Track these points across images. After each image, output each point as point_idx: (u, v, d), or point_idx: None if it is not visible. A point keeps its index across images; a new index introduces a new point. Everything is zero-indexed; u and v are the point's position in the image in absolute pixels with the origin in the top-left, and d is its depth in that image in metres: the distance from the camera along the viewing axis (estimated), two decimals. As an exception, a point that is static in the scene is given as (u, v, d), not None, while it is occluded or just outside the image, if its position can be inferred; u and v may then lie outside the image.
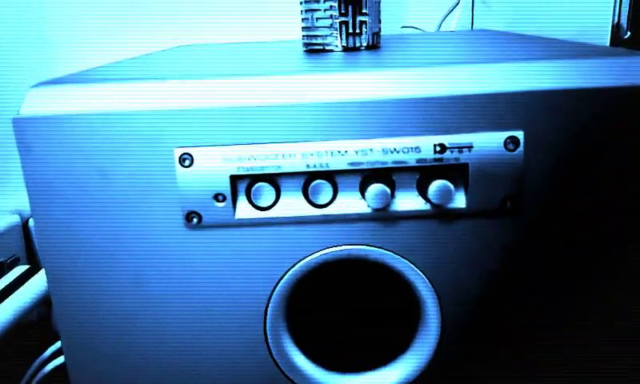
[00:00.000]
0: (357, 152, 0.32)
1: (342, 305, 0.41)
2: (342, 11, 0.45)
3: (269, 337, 0.36)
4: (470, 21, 0.92)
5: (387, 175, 0.33)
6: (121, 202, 0.33)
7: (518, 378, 0.37)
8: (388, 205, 0.33)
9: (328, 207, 0.33)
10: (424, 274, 0.35)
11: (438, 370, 0.37)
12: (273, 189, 0.33)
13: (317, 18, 0.46)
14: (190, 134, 0.32)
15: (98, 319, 0.36)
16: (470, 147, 0.32)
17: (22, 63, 0.93)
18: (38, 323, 0.55)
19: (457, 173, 0.33)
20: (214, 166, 0.32)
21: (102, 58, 0.93)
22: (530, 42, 0.43)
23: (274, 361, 0.36)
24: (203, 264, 0.34)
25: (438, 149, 0.32)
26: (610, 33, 0.49)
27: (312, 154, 0.32)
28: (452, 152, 0.32)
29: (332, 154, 0.32)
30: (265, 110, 0.32)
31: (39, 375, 0.51)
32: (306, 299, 0.40)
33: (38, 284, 0.55)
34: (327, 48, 0.46)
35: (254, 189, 0.33)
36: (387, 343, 0.39)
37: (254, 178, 0.33)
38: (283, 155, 0.32)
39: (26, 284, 0.53)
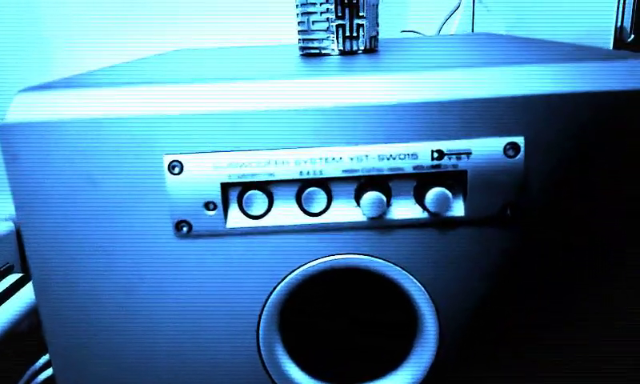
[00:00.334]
0: (352, 159, 0.31)
1: (339, 315, 0.40)
2: (339, 14, 0.44)
3: (262, 348, 0.35)
4: (471, 24, 0.91)
5: (383, 182, 0.32)
6: (110, 211, 0.32)
7: (512, 377, 0.36)
8: (384, 213, 0.32)
9: (322, 215, 0.32)
10: (421, 283, 0.34)
11: (436, 380, 0.36)
12: (265, 197, 0.32)
13: (313, 21, 0.45)
14: (180, 141, 0.31)
15: (86, 330, 0.35)
16: (468, 154, 0.31)
17: (18, 65, 0.93)
18: (29, 333, 0.54)
19: (455, 180, 0.32)
20: (205, 174, 0.31)
21: (99, 59, 0.92)
22: (531, 45, 0.42)
23: (267, 372, 0.35)
24: (194, 274, 0.33)
25: (435, 155, 0.31)
26: (613, 36, 0.48)
27: (305, 161, 0.31)
28: (450, 158, 0.31)
29: (326, 161, 0.31)
30: (256, 115, 0.31)
31: (30, 386, 0.50)
32: (302, 309, 0.39)
33: (29, 293, 0.54)
34: (324, 52, 0.45)
35: (245, 197, 0.32)
36: (385, 354, 0.38)
37: (246, 186, 0.32)
38: (276, 162, 0.31)
39: (17, 293, 0.52)
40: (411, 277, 0.33)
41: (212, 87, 0.31)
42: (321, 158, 0.31)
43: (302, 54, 0.47)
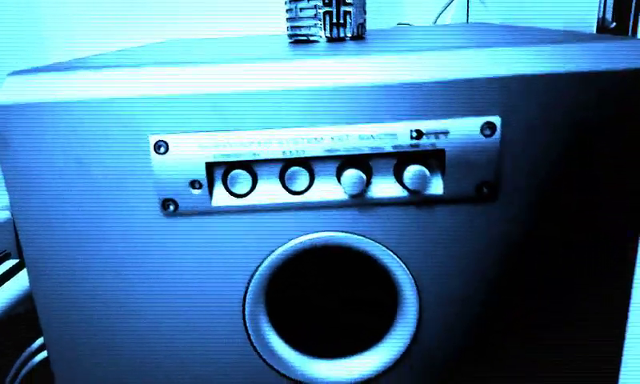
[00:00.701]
0: (333, 138, 0.32)
1: (326, 292, 0.41)
2: (326, 2, 0.45)
3: (247, 323, 0.36)
4: (466, 17, 0.92)
5: (364, 162, 0.33)
6: (98, 190, 0.33)
7: (496, 359, 0.37)
8: (365, 191, 0.33)
9: (305, 194, 0.33)
10: (402, 260, 0.34)
11: (417, 354, 0.37)
12: (249, 176, 0.33)
13: (301, 9, 0.45)
14: (165, 121, 0.32)
15: (77, 307, 0.36)
16: (446, 133, 0.32)
17: (18, 65, 0.94)
18: (25, 316, 0.55)
19: (434, 159, 0.33)
20: (190, 153, 0.32)
21: (95, 52, 0.93)
22: (515, 32, 0.43)
23: (253, 347, 0.36)
24: (181, 252, 0.34)
25: (414, 135, 0.32)
26: (595, 24, 0.49)
27: (288, 141, 0.32)
28: (428, 138, 0.32)
29: (308, 141, 0.32)
30: (240, 96, 0.32)
31: (27, 367, 0.51)
32: (288, 286, 0.40)
33: (25, 278, 0.55)
34: (312, 39, 0.46)
35: (230, 176, 0.33)
36: (370, 331, 0.39)
37: (231, 165, 0.33)
38: (259, 142, 0.32)
39: (14, 277, 0.53)
40: (392, 253, 0.34)
41: (197, 69, 0.32)
42: (303, 138, 0.32)
43: (290, 42, 0.48)
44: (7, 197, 0.69)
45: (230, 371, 0.37)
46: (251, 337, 0.36)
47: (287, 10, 0.47)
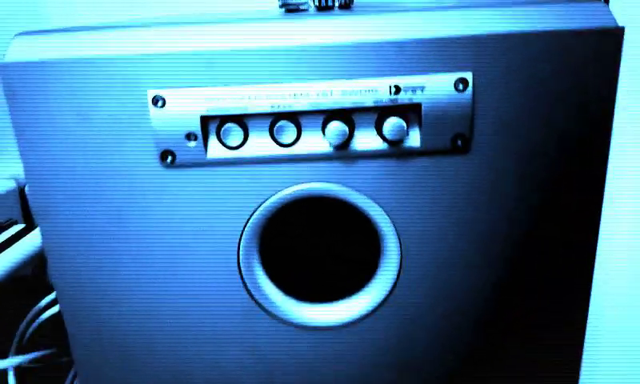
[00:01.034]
0: (318, 94, 0.35)
1: (314, 242, 0.44)
2: (315, -28, 0.47)
3: (242, 268, 0.39)
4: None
5: (347, 116, 0.36)
6: (101, 143, 0.36)
7: (478, 298, 0.40)
8: (348, 144, 0.36)
9: (293, 146, 0.36)
10: (383, 209, 0.37)
11: (400, 297, 0.40)
12: (241, 129, 0.35)
13: (291, -21, 0.48)
14: (163, 77, 0.34)
15: (83, 257, 0.39)
16: (422, 88, 0.35)
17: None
18: (32, 277, 0.58)
19: (412, 112, 0.36)
20: (185, 107, 0.35)
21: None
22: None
23: (248, 290, 0.39)
24: (179, 202, 0.37)
25: (393, 90, 0.35)
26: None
27: (276, 96, 0.35)
28: (406, 93, 0.35)
29: (295, 96, 0.35)
30: (232, 54, 0.34)
31: (34, 324, 0.54)
32: (281, 237, 0.43)
33: (32, 241, 0.58)
34: (302, 8, 0.49)
35: (223, 129, 0.35)
36: (355, 278, 0.42)
37: (224, 119, 0.35)
38: (249, 97, 0.35)
39: (21, 240, 0.56)
40: (374, 203, 0.37)
41: (192, 28, 0.35)
42: (290, 94, 0.35)
43: (281, 11, 0.50)
44: (12, 167, 0.71)
45: (225, 315, 0.40)
46: (246, 282, 0.39)
47: (278, -19, 0.49)
